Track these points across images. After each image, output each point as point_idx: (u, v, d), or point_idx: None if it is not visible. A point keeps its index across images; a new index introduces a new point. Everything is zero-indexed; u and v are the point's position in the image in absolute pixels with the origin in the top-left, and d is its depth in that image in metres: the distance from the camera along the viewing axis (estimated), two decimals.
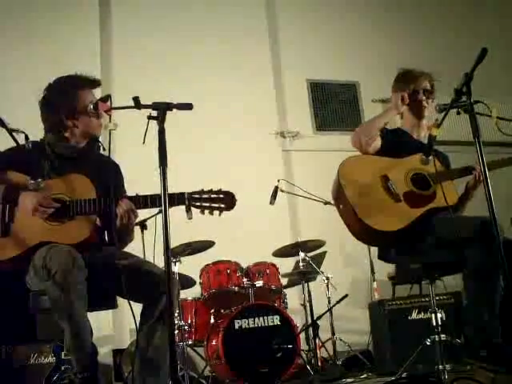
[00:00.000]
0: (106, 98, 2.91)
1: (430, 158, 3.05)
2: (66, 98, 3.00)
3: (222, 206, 2.79)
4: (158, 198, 2.75)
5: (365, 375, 4.61)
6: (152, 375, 2.74)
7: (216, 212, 2.80)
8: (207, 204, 2.78)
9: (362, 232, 3.30)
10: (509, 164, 3.39)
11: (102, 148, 3.14)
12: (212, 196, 2.79)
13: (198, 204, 2.79)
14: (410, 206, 3.29)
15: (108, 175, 2.96)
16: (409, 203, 3.30)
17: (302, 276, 5.34)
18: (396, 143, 3.54)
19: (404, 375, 3.78)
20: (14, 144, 2.74)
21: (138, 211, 2.83)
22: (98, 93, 3.15)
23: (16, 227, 2.76)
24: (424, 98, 3.61)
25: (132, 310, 2.75)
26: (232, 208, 2.82)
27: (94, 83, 3.08)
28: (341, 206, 3.38)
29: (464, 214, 3.57)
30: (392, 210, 3.28)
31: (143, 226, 4.69)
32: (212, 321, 5.07)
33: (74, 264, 2.55)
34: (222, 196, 2.80)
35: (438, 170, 3.32)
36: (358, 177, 3.38)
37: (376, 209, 3.27)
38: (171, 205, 2.66)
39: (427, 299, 4.26)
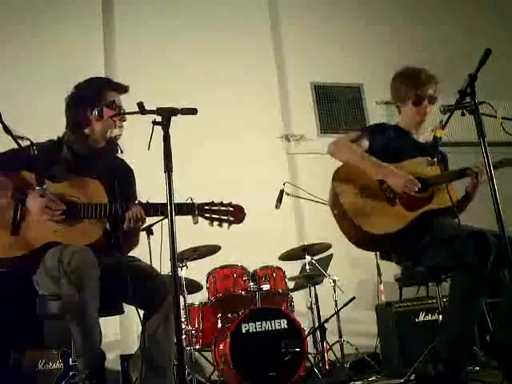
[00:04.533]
0: (111, 104, 2.92)
1: (435, 159, 3.05)
2: (93, 93, 3.02)
3: (232, 218, 2.82)
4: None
5: (373, 378, 4.60)
6: (158, 380, 2.74)
7: (225, 225, 2.83)
8: (216, 216, 2.81)
9: (360, 238, 3.32)
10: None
11: (120, 151, 3.15)
12: (222, 208, 2.82)
13: (208, 215, 2.81)
14: (406, 209, 3.29)
15: (121, 179, 2.98)
16: (404, 206, 3.30)
17: (309, 279, 5.34)
18: (397, 145, 3.52)
19: (412, 377, 3.77)
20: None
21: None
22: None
23: (25, 227, 2.77)
24: (428, 104, 3.59)
25: (139, 315, 2.76)
26: (241, 221, 2.85)
27: (122, 88, 3.09)
28: (337, 214, 3.40)
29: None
30: (388, 213, 3.29)
31: (149, 231, 4.70)
32: (219, 325, 5.07)
33: (89, 262, 2.56)
34: (231, 209, 2.83)
35: (435, 173, 3.34)
36: (353, 183, 3.38)
37: (372, 213, 3.28)
38: (180, 214, 2.68)
39: (434, 301, 4.26)
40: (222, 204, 2.83)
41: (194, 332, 4.99)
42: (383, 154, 3.42)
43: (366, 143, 3.49)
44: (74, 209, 2.80)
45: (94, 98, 3.01)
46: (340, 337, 5.26)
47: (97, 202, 2.81)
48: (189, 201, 2.84)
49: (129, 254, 3.07)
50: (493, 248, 2.94)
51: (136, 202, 2.91)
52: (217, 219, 2.82)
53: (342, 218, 3.35)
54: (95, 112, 2.93)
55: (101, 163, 3.01)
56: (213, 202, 2.84)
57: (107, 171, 2.98)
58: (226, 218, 2.82)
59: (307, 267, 5.26)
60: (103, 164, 3.02)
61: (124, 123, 3.07)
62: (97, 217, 2.79)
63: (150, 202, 2.86)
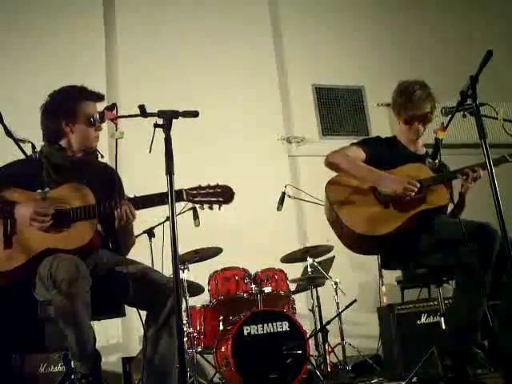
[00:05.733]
0: (112, 106, 2.92)
1: (437, 161, 3.05)
2: (68, 105, 3.01)
3: (221, 199, 2.84)
4: (157, 197, 2.79)
5: (375, 380, 4.60)
6: (163, 382, 2.74)
7: (216, 206, 2.85)
8: (206, 199, 2.82)
9: (357, 242, 3.38)
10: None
11: (100, 156, 3.16)
12: (210, 191, 2.83)
13: (197, 199, 2.83)
14: (400, 210, 3.33)
15: (107, 182, 2.97)
16: (398, 208, 3.34)
17: (311, 281, 5.34)
18: (391, 153, 3.58)
19: (414, 379, 3.77)
20: (20, 153, 2.76)
21: (146, 218, 2.85)
22: (102, 104, 3.15)
23: (18, 238, 2.77)
24: (420, 125, 3.61)
25: (141, 318, 2.76)
26: (231, 201, 2.86)
27: (98, 97, 3.08)
28: (332, 221, 3.46)
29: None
30: (382, 216, 3.34)
31: (151, 233, 4.70)
32: (221, 328, 5.06)
33: (79, 273, 2.55)
34: (219, 190, 2.85)
35: (427, 176, 3.37)
36: (347, 191, 3.46)
37: (367, 218, 3.33)
38: None
39: (436, 303, 4.26)
40: (209, 186, 2.85)
41: (195, 334, 4.99)
42: (377, 164, 3.46)
43: (362, 154, 3.53)
44: (64, 214, 2.79)
45: (69, 109, 3.01)
46: (342, 339, 5.26)
47: (85, 205, 2.81)
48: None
49: (129, 257, 3.07)
50: (496, 242, 2.98)
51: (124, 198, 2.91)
52: (206, 201, 2.83)
53: (338, 227, 3.41)
54: (96, 116, 2.93)
55: (82, 172, 3.01)
56: (200, 185, 2.85)
57: (91, 178, 2.98)
58: (215, 199, 2.83)
59: (309, 269, 5.25)
60: (85, 172, 3.01)
61: (100, 133, 3.08)
62: (86, 218, 2.79)
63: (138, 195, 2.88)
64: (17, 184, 2.89)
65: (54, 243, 2.74)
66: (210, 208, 2.85)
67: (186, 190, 2.83)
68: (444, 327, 3.44)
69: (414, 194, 3.27)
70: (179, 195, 2.81)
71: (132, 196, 2.89)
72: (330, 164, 3.54)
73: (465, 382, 3.04)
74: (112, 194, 2.83)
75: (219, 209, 2.85)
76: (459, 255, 3.09)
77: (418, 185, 3.29)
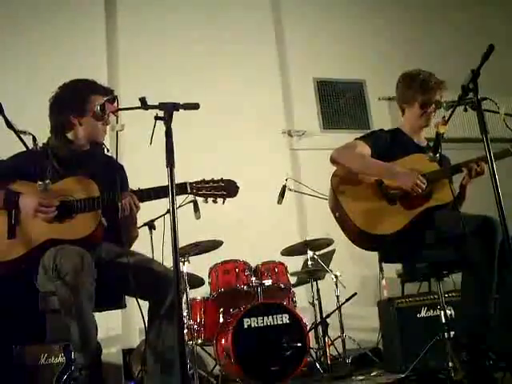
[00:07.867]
0: (113, 99, 2.92)
1: (437, 155, 3.04)
2: (77, 98, 3.04)
3: (225, 193, 2.86)
4: (161, 190, 2.80)
5: (374, 373, 4.61)
6: (166, 373, 2.75)
7: (220, 200, 2.87)
8: (210, 192, 2.84)
9: (362, 238, 3.34)
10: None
11: (105, 150, 3.17)
12: (214, 184, 2.86)
13: (201, 192, 2.85)
14: (405, 208, 3.31)
15: (112, 175, 2.98)
16: (404, 204, 3.31)
17: (311, 274, 5.35)
18: (394, 145, 3.55)
19: (413, 372, 3.78)
20: (21, 145, 2.76)
21: (147, 211, 2.85)
22: None
23: (22, 228, 2.78)
24: (433, 109, 3.58)
25: (141, 310, 2.76)
26: (235, 195, 2.89)
27: (108, 92, 3.10)
28: (338, 216, 3.42)
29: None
30: (388, 213, 3.30)
31: (151, 226, 4.70)
32: (221, 320, 5.07)
33: (84, 265, 2.56)
34: (223, 184, 2.87)
35: (431, 169, 3.34)
36: (352, 185, 3.41)
37: (372, 214, 3.29)
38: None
39: (436, 296, 4.26)
40: (213, 180, 2.88)
41: (195, 326, 5.00)
42: (380, 157, 3.44)
43: (367, 149, 3.50)
44: (68, 206, 2.81)
45: (78, 102, 3.03)
46: (342, 332, 5.27)
47: (89, 197, 2.83)
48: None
49: (131, 249, 3.08)
50: (498, 233, 2.97)
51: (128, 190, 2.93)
52: (211, 195, 2.86)
53: (343, 221, 3.37)
54: (97, 107, 2.94)
55: (88, 165, 3.02)
56: (204, 179, 2.87)
57: (97, 171, 2.99)
58: (219, 193, 2.86)
59: (309, 262, 5.26)
60: (90, 166, 3.02)
61: (107, 127, 3.12)
62: (90, 210, 2.80)
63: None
64: (20, 176, 2.91)
65: (57, 234, 2.76)
66: (214, 201, 2.88)
67: (190, 183, 2.85)
68: (455, 325, 3.43)
69: (421, 190, 3.27)
70: (183, 188, 2.83)
71: (136, 189, 2.90)
72: (336, 161, 3.50)
73: (480, 376, 3.04)
74: (116, 187, 2.84)
75: (223, 202, 2.87)
76: (464, 251, 3.08)
77: (425, 182, 3.28)
